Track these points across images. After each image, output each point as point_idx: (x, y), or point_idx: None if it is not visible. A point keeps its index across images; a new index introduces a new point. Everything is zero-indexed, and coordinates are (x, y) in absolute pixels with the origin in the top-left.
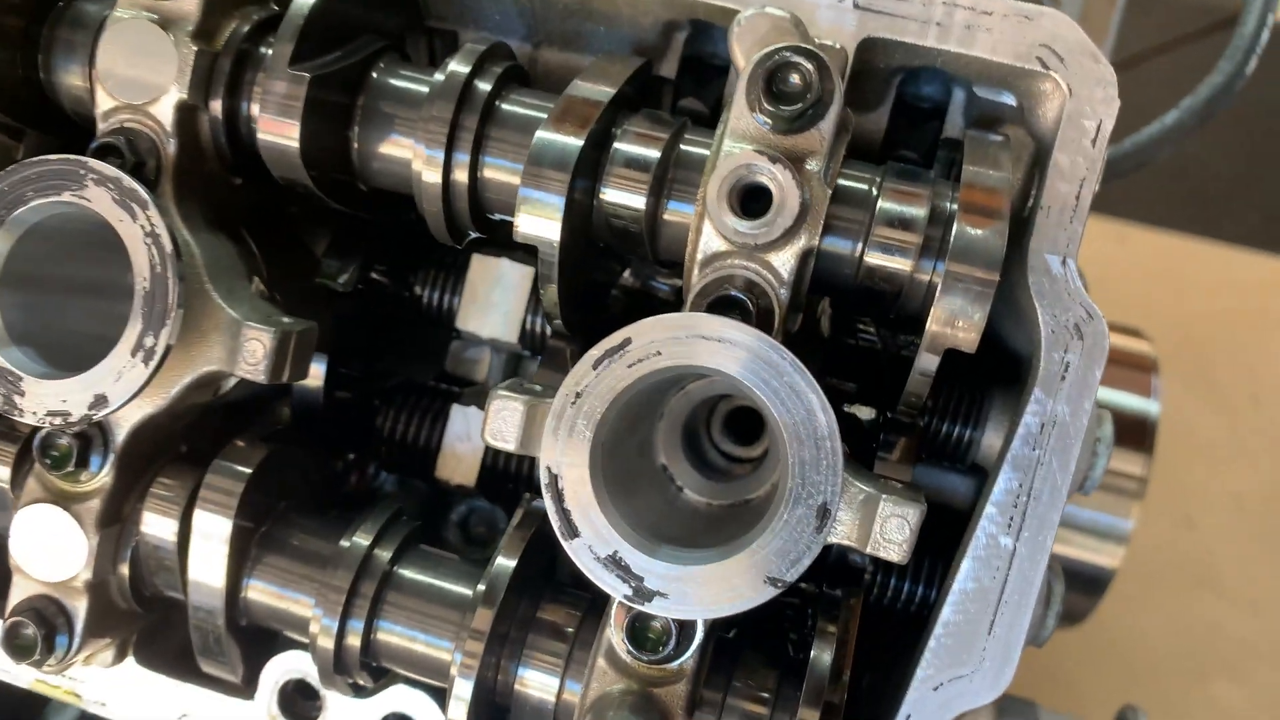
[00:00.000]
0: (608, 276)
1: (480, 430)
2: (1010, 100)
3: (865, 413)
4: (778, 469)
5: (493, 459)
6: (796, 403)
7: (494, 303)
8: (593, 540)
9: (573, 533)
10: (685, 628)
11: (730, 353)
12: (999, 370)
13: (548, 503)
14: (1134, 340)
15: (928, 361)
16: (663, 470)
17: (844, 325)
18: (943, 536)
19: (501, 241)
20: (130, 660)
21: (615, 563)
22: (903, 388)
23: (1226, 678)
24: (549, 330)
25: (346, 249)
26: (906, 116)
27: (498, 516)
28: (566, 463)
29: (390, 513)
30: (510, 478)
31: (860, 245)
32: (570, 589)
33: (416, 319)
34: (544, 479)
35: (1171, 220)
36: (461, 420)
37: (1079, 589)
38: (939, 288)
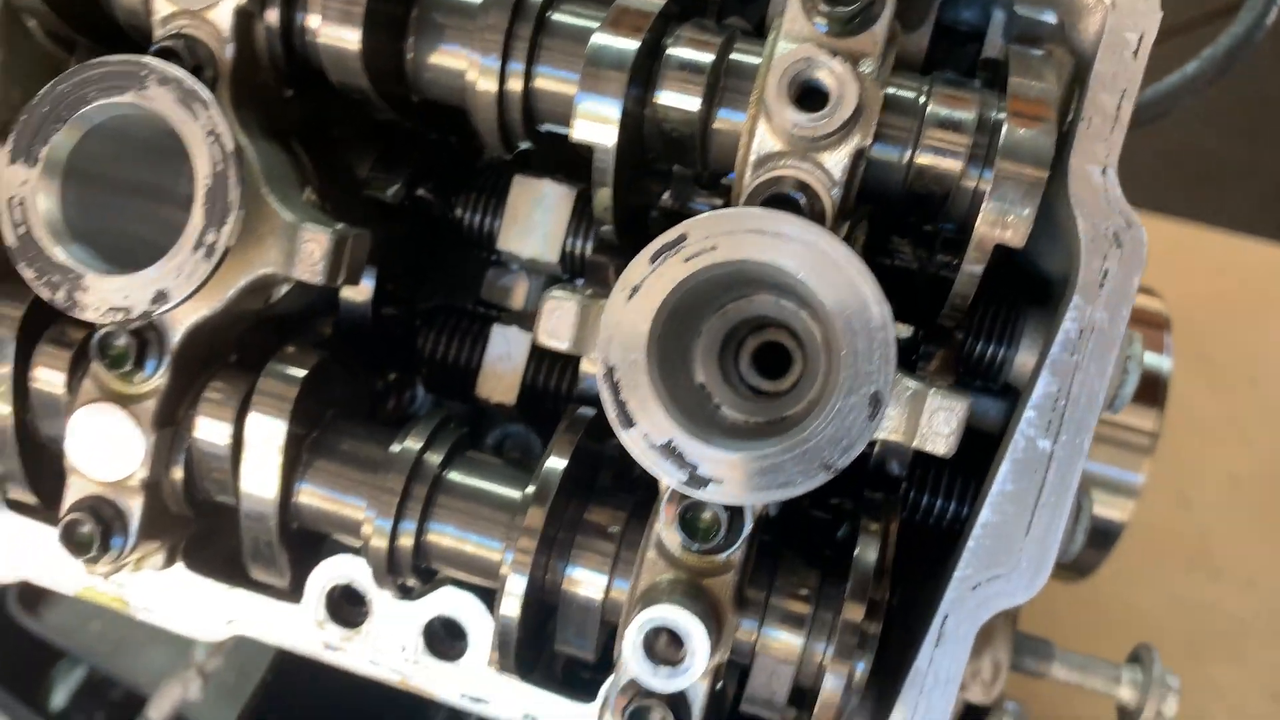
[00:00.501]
0: (648, 198)
1: (522, 347)
2: (1051, 18)
3: (903, 330)
4: (814, 388)
5: (531, 378)
6: (851, 294)
7: (535, 223)
8: (649, 429)
9: (629, 422)
10: (735, 519)
11: (786, 246)
12: (1032, 294)
13: (604, 395)
14: (1147, 298)
15: (976, 260)
16: (701, 388)
17: (881, 246)
18: (974, 459)
19: (542, 165)
20: (177, 567)
21: (670, 451)
22: (940, 306)
23: (1222, 656)
24: (589, 251)
25: (393, 165)
26: (945, 39)
27: (532, 441)
28: (623, 354)
29: (439, 419)
30: (549, 397)
31: (910, 148)
32: (614, 494)
33: (455, 243)
34: (600, 372)
35: (1171, 205)
36: (502, 340)
37: (1089, 542)
38: (989, 187)
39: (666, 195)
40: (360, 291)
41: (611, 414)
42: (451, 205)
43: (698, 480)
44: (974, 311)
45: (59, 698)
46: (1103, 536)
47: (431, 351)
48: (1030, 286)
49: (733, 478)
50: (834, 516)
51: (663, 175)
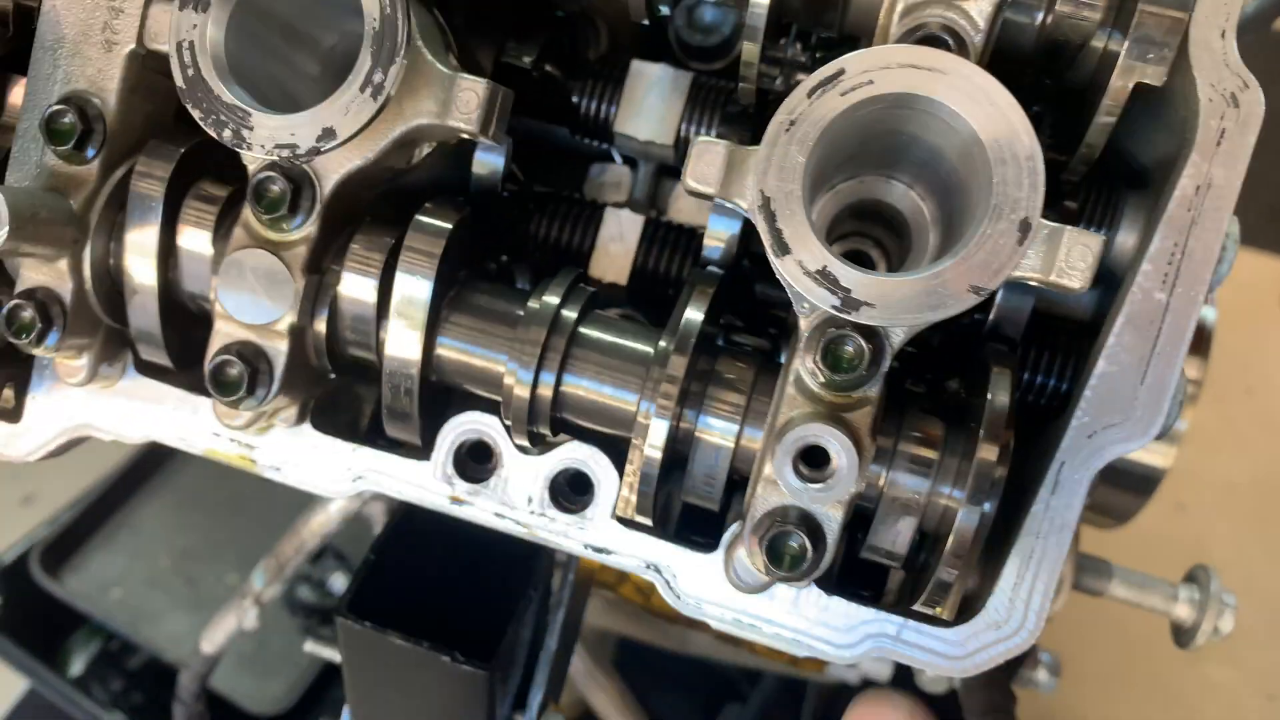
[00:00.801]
0: (763, 81)
1: (634, 229)
2: None
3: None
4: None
5: (642, 261)
6: (1003, 125)
7: (650, 107)
8: (804, 256)
9: (785, 250)
10: (876, 350)
11: (940, 80)
12: (1130, 183)
13: (760, 224)
14: None
15: (1112, 106)
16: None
17: None
18: (1067, 342)
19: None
20: (304, 429)
21: (825, 275)
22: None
23: (1218, 659)
24: (704, 134)
25: (526, 38)
26: None
27: None
28: (779, 185)
29: (573, 276)
30: (659, 280)
31: (1046, 6)
32: (741, 351)
33: (566, 137)
34: (757, 203)
35: None
36: (615, 222)
37: (1129, 487)
38: (1131, 28)
39: (778, 80)
40: (487, 166)
41: (769, 241)
42: (570, 90)
43: (851, 303)
44: (1076, 194)
45: (77, 665)
46: (1144, 482)
47: (546, 233)
48: (1127, 175)
49: (885, 301)
50: (934, 391)
51: (776, 62)
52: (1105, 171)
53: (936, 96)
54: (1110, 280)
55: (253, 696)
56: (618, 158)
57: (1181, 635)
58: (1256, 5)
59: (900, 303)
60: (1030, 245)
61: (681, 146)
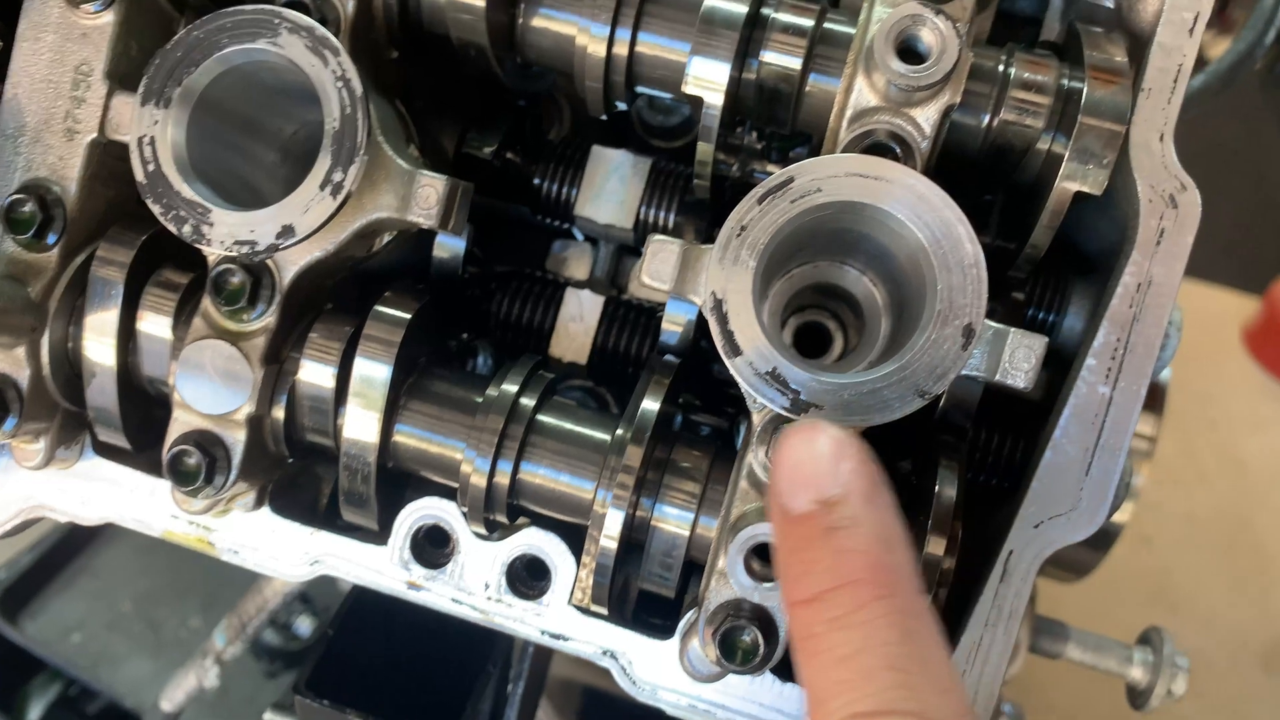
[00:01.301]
0: (720, 168)
1: (594, 309)
2: (1109, 1)
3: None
4: (873, 351)
5: (602, 341)
6: (947, 233)
7: (610, 191)
8: (754, 358)
9: (736, 351)
10: None
11: (886, 188)
12: (1078, 269)
13: (713, 326)
14: None
15: (1054, 211)
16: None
17: None
18: (1018, 424)
19: (612, 140)
20: (262, 513)
21: (775, 377)
22: (1003, 267)
23: None
24: (662, 217)
25: (487, 129)
26: (1005, 23)
27: (590, 405)
28: (731, 288)
29: (532, 364)
30: (618, 358)
31: (991, 110)
32: (695, 439)
33: (527, 217)
34: (709, 305)
35: None
36: (575, 302)
37: (1088, 542)
38: (1065, 148)
39: (735, 167)
40: (448, 250)
41: (720, 343)
42: (531, 173)
43: (800, 405)
44: (1026, 281)
45: (34, 712)
46: (1103, 537)
47: (507, 312)
48: (1075, 262)
49: (832, 403)
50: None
51: (733, 149)
52: (1054, 258)
53: (883, 205)
54: (1059, 363)
55: None
56: (580, 235)
57: (1136, 698)
58: (1203, 79)
59: (847, 405)
60: (974, 348)
61: (641, 229)
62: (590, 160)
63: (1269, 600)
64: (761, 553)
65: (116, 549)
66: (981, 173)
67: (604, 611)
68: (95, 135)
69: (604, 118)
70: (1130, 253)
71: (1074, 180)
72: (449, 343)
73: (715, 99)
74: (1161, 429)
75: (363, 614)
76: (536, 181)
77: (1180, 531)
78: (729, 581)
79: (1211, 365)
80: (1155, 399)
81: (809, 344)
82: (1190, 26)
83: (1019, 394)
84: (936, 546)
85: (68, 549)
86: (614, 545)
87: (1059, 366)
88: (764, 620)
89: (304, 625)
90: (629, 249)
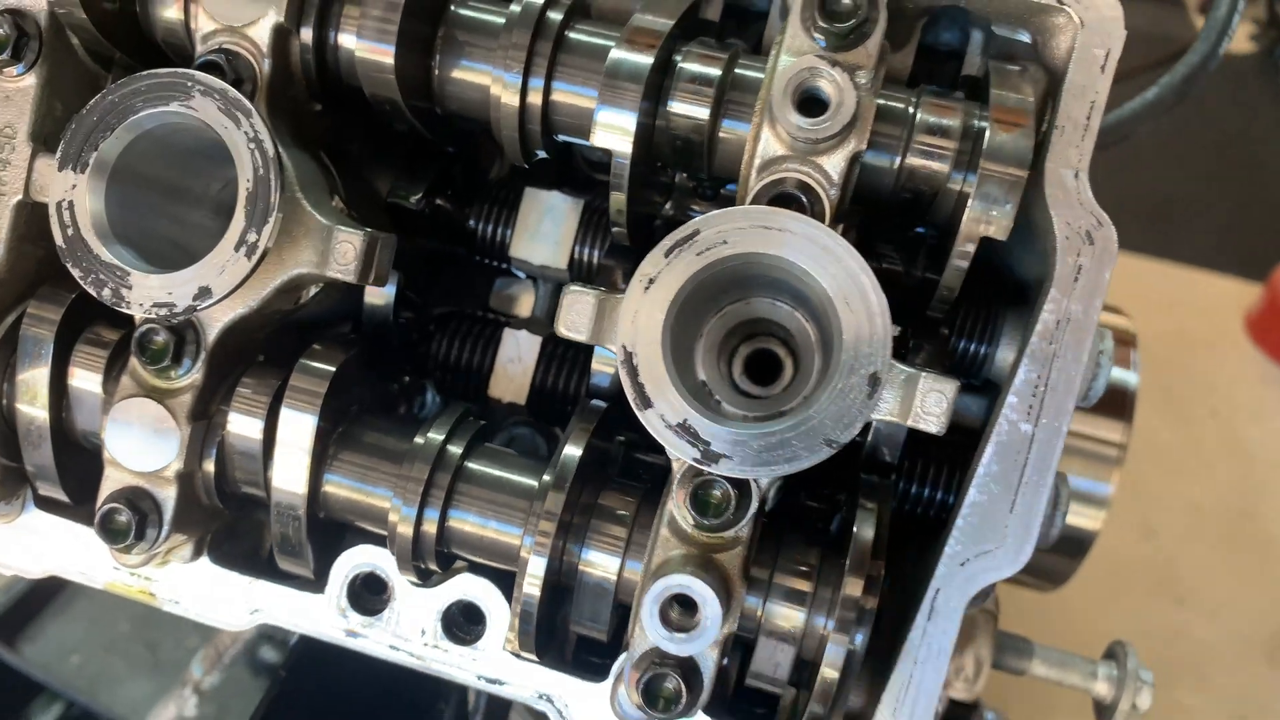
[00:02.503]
0: (653, 208)
1: (531, 350)
2: (1025, 37)
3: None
4: (808, 385)
5: (540, 380)
6: (850, 283)
7: (545, 232)
8: (665, 410)
9: (647, 404)
10: (743, 495)
11: (790, 240)
12: (1009, 298)
13: (624, 378)
14: (1114, 316)
15: (962, 253)
16: (703, 385)
17: (870, 251)
18: (956, 454)
19: (547, 180)
20: (202, 562)
21: (685, 429)
22: (926, 307)
23: (1188, 681)
24: (596, 257)
25: (415, 177)
26: (928, 58)
27: (538, 443)
28: (641, 340)
29: (460, 412)
30: (557, 397)
31: (901, 153)
32: (625, 481)
33: (466, 256)
34: (620, 358)
35: (1131, 241)
36: (513, 343)
37: (1061, 550)
38: (973, 188)
39: (669, 205)
40: (381, 296)
41: (631, 395)
42: (466, 216)
43: (712, 455)
44: (957, 313)
45: None
46: (1075, 545)
47: (445, 355)
48: (1007, 291)
49: (742, 453)
50: (829, 506)
51: (664, 187)
52: (985, 290)
53: (786, 256)
54: (996, 391)
55: None
56: (520, 274)
57: (1102, 713)
58: (1157, 91)
59: (757, 455)
60: (881, 397)
61: (576, 269)
62: (524, 201)
63: (1275, 591)
64: (681, 601)
65: None
66: (901, 210)
67: (533, 658)
68: (20, 197)
69: (525, 166)
70: (1049, 289)
71: (978, 224)
72: (391, 385)
73: (624, 148)
74: (1134, 432)
75: (314, 654)
76: (472, 224)
77: (1184, 522)
78: None
79: (1213, 353)
80: (1123, 406)
81: (760, 371)
82: (1102, 63)
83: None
84: (854, 588)
85: None
86: (536, 592)
87: (995, 395)
88: (687, 668)
89: (274, 657)
90: None
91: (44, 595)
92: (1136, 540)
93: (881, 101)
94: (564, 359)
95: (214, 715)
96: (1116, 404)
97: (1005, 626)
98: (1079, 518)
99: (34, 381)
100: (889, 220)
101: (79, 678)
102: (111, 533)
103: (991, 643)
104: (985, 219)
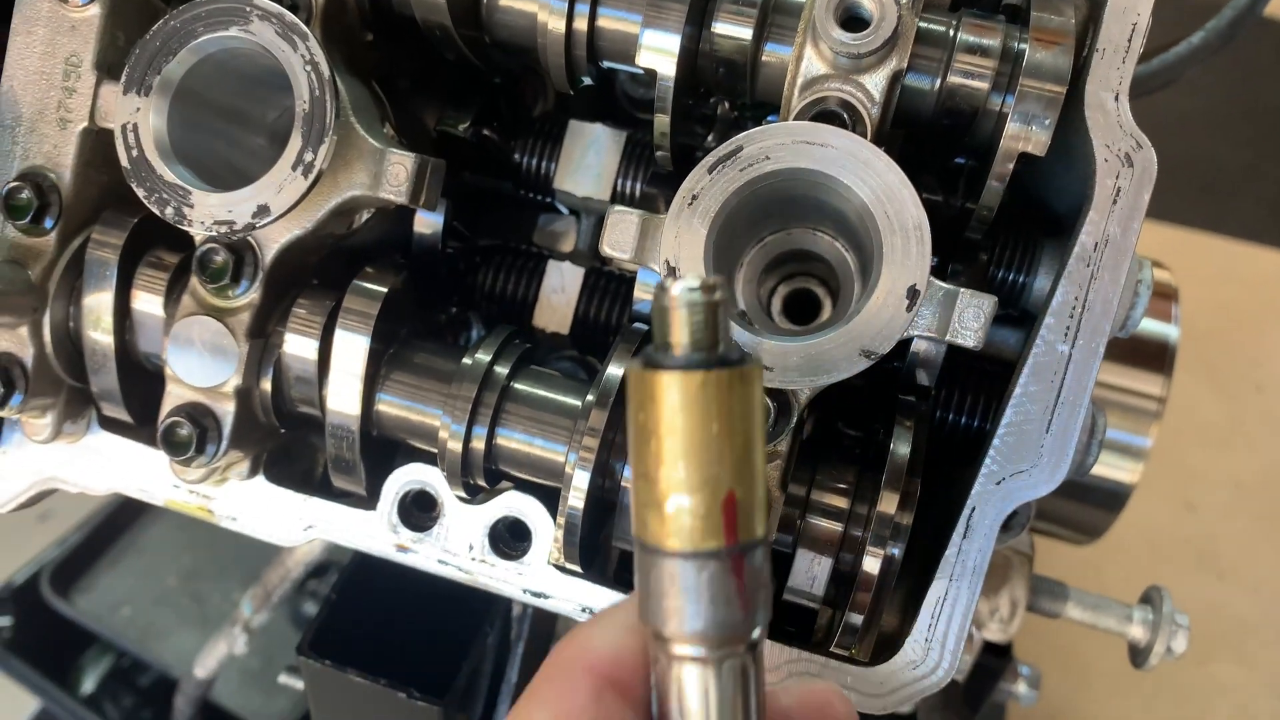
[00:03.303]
0: (695, 140)
1: (575, 281)
2: None
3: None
4: (848, 312)
5: (583, 311)
6: (891, 197)
7: (588, 164)
8: None
9: None
10: (782, 410)
11: (831, 155)
12: (1048, 229)
13: None
14: (1156, 269)
15: (1002, 172)
16: (742, 315)
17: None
18: (993, 383)
19: (593, 113)
20: (258, 480)
21: None
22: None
23: (1227, 658)
24: (639, 189)
25: (462, 106)
26: None
27: (581, 376)
28: (684, 255)
29: (506, 334)
30: (599, 328)
31: (941, 73)
32: None
33: (511, 193)
34: (663, 271)
35: (1177, 213)
36: (557, 274)
37: (1098, 503)
38: (1014, 103)
39: (711, 137)
40: (429, 225)
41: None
42: (511, 149)
43: None
44: (995, 242)
45: (88, 683)
46: (1112, 498)
47: (491, 285)
48: (1046, 223)
49: (782, 364)
50: (866, 434)
51: (707, 119)
52: (1024, 219)
53: (828, 170)
54: (1032, 323)
55: (259, 712)
56: (563, 209)
57: (1136, 655)
58: (1203, 35)
59: (797, 366)
60: (919, 311)
61: (618, 201)
62: (568, 135)
63: None
64: None
65: (161, 526)
66: (941, 135)
67: (578, 569)
68: (86, 124)
69: (571, 93)
70: (1087, 212)
71: (1017, 141)
72: (439, 315)
73: (668, 70)
74: (1176, 407)
75: (363, 578)
76: (516, 157)
77: (1226, 497)
78: None
79: (1258, 328)
80: (1163, 360)
81: (799, 311)
82: None
83: (972, 352)
84: (889, 504)
85: (114, 527)
86: (580, 505)
87: (1032, 325)
88: None
89: (323, 593)
90: None
91: (96, 549)
92: (1177, 515)
93: (923, 24)
94: (606, 290)
95: (263, 651)
96: (1156, 357)
97: None
98: (1117, 470)
99: (99, 305)
100: (929, 147)
101: (130, 629)
102: (174, 445)
103: (1026, 585)
104: (1024, 135)
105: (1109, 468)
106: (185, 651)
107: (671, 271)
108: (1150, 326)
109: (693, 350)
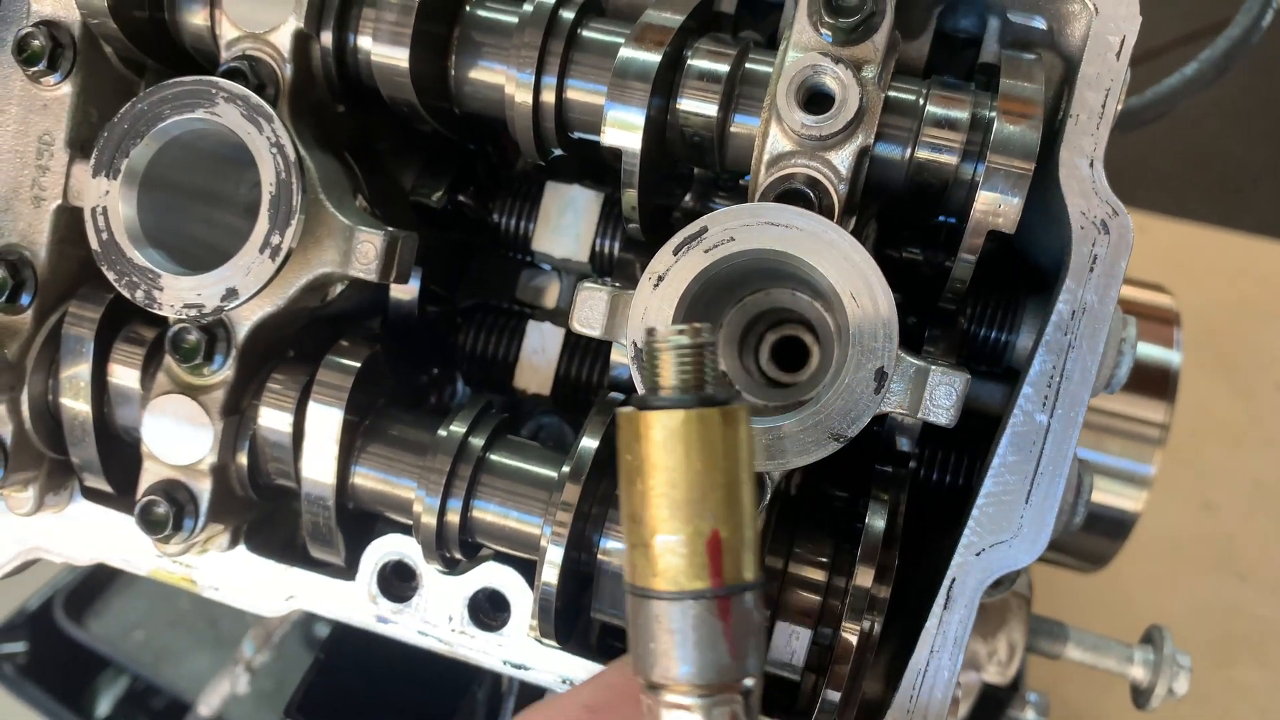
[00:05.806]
0: (671, 200)
1: (555, 341)
2: (1041, 24)
3: (909, 320)
4: (829, 373)
5: (564, 370)
6: (857, 279)
7: (566, 225)
8: None
9: None
10: (759, 487)
11: (796, 236)
12: (1030, 283)
13: (634, 371)
14: (1157, 295)
15: (972, 246)
16: (722, 375)
17: (889, 241)
18: (977, 439)
19: (570, 172)
20: (240, 550)
21: None
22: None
23: (1247, 660)
24: (616, 250)
25: (436, 174)
26: (945, 46)
27: (565, 433)
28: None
29: (481, 405)
30: (580, 387)
31: (910, 146)
32: None
33: (491, 248)
34: (630, 353)
35: (1194, 209)
36: (537, 334)
37: (1103, 532)
38: (982, 178)
39: (688, 197)
40: (407, 291)
41: (641, 390)
42: (489, 211)
43: None
44: (977, 300)
45: (102, 707)
46: (1116, 526)
47: (471, 346)
48: (1029, 277)
49: None
50: (851, 497)
51: (684, 179)
52: (1006, 276)
53: (792, 251)
54: (1015, 378)
55: None
56: (545, 266)
57: (1138, 697)
58: (1196, 66)
59: (766, 449)
60: (889, 388)
61: (597, 261)
62: (546, 195)
63: None
64: None
65: None
66: (914, 203)
67: (554, 645)
68: (60, 201)
69: (543, 164)
70: (1064, 280)
71: (987, 215)
72: (421, 377)
73: (634, 145)
74: (1194, 405)
75: (352, 636)
76: (495, 218)
77: (1246, 497)
78: None
79: (1277, 324)
80: (1165, 386)
81: (787, 357)
82: (1117, 50)
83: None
84: (864, 578)
85: None
86: (555, 581)
87: (1015, 382)
88: None
89: (322, 635)
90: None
91: (109, 574)
92: (1196, 515)
93: (892, 94)
94: (586, 350)
95: (265, 691)
96: (1158, 384)
97: (1061, 603)
98: (1120, 499)
99: (77, 378)
100: (906, 210)
101: (143, 653)
102: (151, 524)
103: (1024, 627)
104: (993, 211)
105: (1113, 496)
106: (199, 675)
107: (638, 354)
108: (1152, 353)
109: (678, 391)
